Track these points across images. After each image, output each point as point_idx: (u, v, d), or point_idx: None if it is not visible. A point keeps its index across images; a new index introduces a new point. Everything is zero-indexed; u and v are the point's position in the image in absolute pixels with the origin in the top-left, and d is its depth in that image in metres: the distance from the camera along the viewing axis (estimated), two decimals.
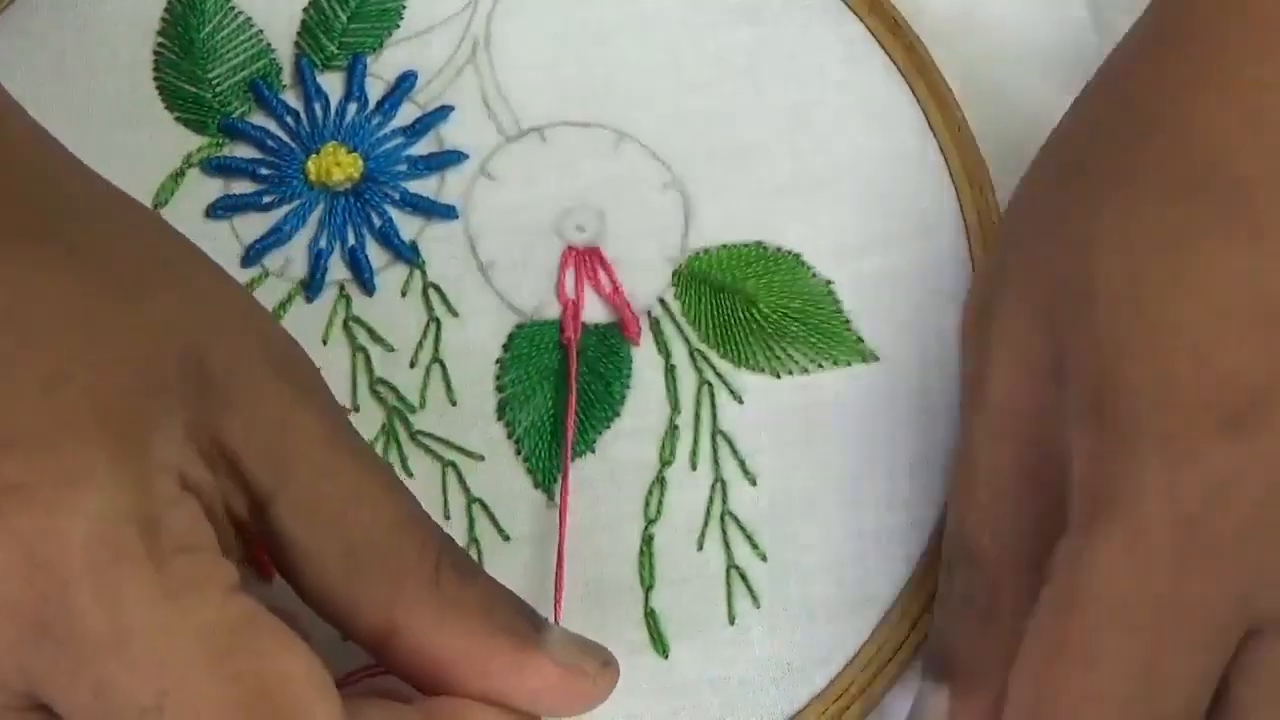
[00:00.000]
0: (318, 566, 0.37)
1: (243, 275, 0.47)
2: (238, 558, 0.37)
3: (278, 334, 0.39)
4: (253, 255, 0.47)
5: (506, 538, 0.45)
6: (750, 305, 0.47)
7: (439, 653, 0.37)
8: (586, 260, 0.47)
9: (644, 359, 0.47)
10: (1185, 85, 0.39)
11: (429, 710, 0.38)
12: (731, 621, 0.44)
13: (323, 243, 0.47)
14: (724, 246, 0.48)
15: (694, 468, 0.46)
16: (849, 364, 0.47)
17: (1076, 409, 0.38)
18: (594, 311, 0.47)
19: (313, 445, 0.37)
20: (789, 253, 0.48)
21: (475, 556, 0.45)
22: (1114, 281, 0.37)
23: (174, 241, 0.39)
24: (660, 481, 0.45)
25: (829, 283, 0.48)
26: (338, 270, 0.47)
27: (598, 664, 0.39)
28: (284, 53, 0.49)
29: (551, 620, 0.41)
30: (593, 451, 0.46)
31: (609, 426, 0.46)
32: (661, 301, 0.47)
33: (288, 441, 0.37)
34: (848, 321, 0.47)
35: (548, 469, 0.45)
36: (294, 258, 0.47)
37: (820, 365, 0.47)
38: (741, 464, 0.46)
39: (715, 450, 0.46)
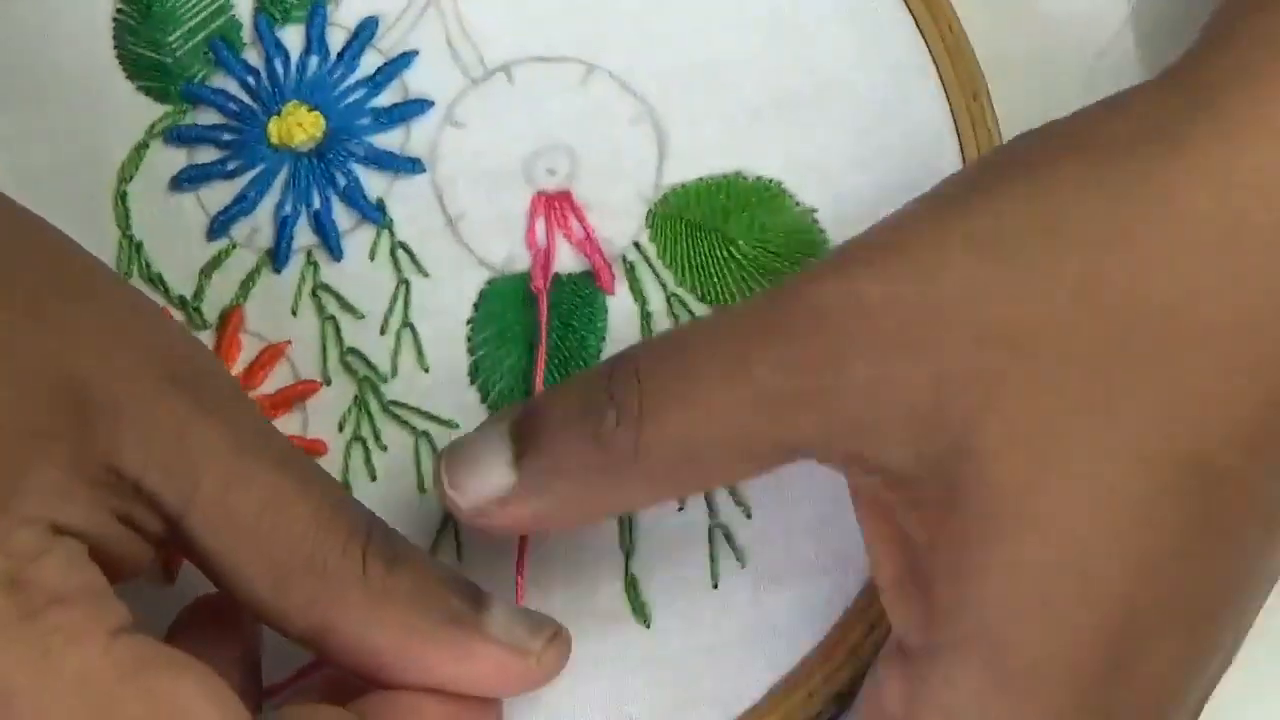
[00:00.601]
0: (241, 577, 0.37)
1: (210, 248, 0.46)
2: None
3: (173, 343, 0.38)
4: (218, 227, 0.46)
5: None
6: (729, 244, 0.45)
7: (375, 648, 0.37)
8: (557, 206, 0.45)
9: (619, 308, 0.45)
10: None
11: (365, 712, 0.37)
12: (715, 585, 0.42)
13: (288, 208, 0.46)
14: (700, 180, 0.45)
15: None
16: None
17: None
18: (566, 261, 0.45)
19: (216, 454, 0.36)
20: (770, 182, 0.45)
21: (452, 532, 0.43)
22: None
23: (51, 262, 0.38)
24: None
25: (813, 211, 0.45)
26: (305, 236, 0.46)
27: (544, 639, 0.38)
28: (244, 8, 0.48)
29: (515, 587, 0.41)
30: None
31: None
32: (636, 245, 0.45)
33: (188, 455, 0.36)
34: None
35: None
36: (261, 226, 0.46)
37: None
38: None
39: None
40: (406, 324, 0.45)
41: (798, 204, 0.45)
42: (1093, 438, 0.35)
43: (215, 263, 0.46)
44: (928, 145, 0.45)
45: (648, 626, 0.42)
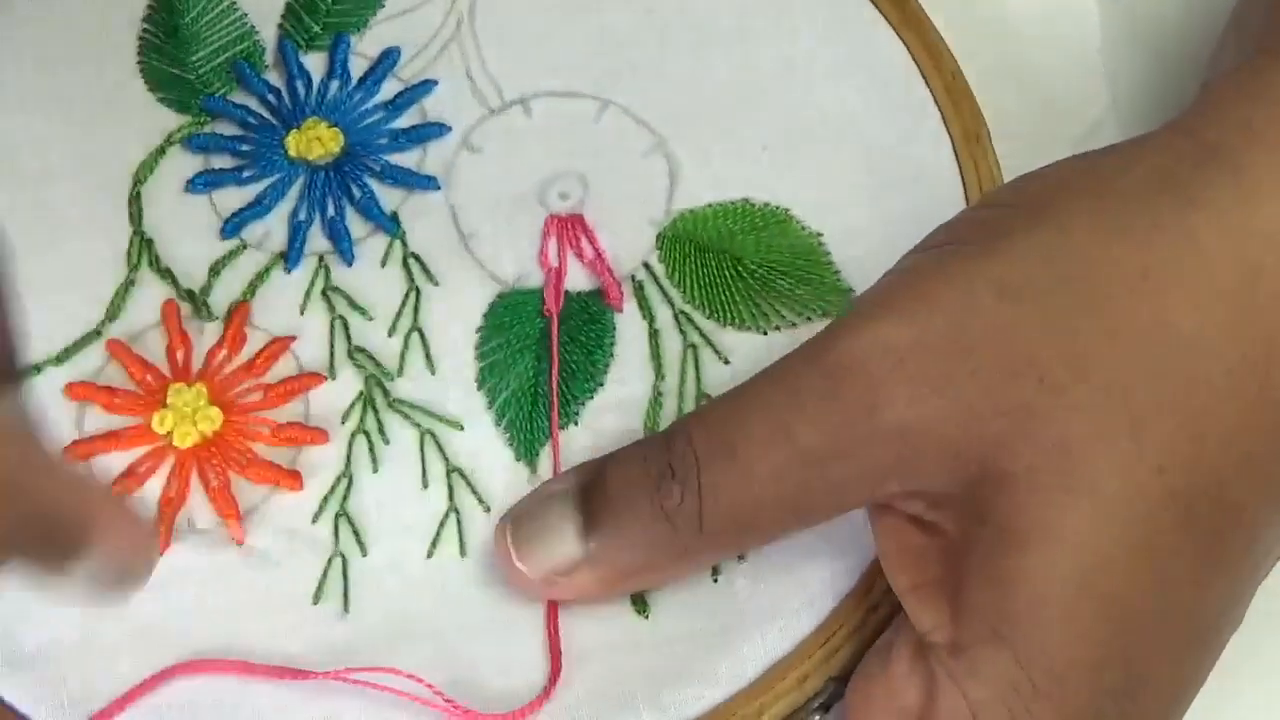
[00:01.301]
0: None
1: (221, 247, 0.46)
2: None
3: None
4: (231, 227, 0.46)
5: (487, 509, 0.43)
6: (736, 263, 0.46)
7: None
8: (569, 228, 0.46)
9: (627, 325, 0.45)
10: None
11: None
12: (715, 579, 0.42)
13: (302, 215, 0.47)
14: (709, 205, 0.47)
15: None
16: (838, 314, 0.45)
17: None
18: (577, 279, 0.46)
19: None
20: (776, 208, 0.47)
21: (455, 525, 0.43)
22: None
23: None
24: None
25: (818, 235, 0.46)
26: (317, 242, 0.46)
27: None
28: (268, 35, 0.49)
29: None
30: (576, 423, 0.44)
31: (592, 397, 0.45)
32: (646, 265, 0.46)
33: None
34: (838, 273, 0.46)
35: (528, 441, 0.44)
36: (273, 229, 0.47)
37: (808, 318, 0.45)
38: None
39: None
40: (415, 328, 0.45)
41: (804, 228, 0.46)
42: (1119, 463, 0.36)
43: (225, 260, 0.46)
44: (931, 181, 0.46)
45: (646, 618, 0.42)
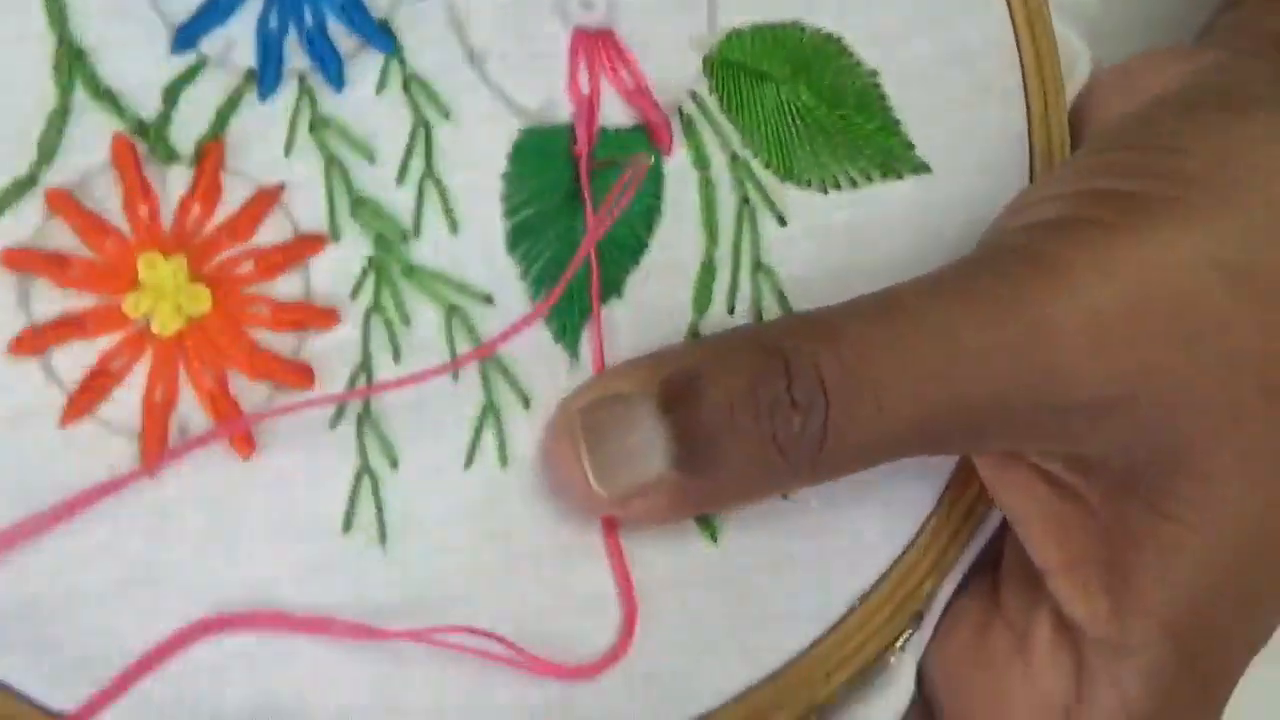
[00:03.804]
0: None
1: (176, 63, 0.36)
2: None
3: None
4: (184, 36, 0.36)
5: (526, 403, 0.37)
6: (794, 98, 0.39)
7: None
8: (599, 47, 0.39)
9: (676, 172, 0.39)
10: None
11: None
12: (785, 496, 0.38)
13: (272, 22, 0.37)
14: (758, 27, 0.40)
15: (731, 311, 0.39)
16: (900, 176, 0.40)
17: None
18: (612, 112, 0.39)
19: None
20: (830, 36, 0.40)
21: (494, 428, 0.37)
22: None
23: None
24: (694, 335, 0.38)
25: (874, 73, 0.40)
26: (296, 58, 0.37)
27: None
28: None
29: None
30: (619, 295, 0.38)
31: (636, 262, 0.38)
32: (694, 95, 0.39)
33: None
34: (897, 122, 0.40)
35: (570, 319, 0.38)
36: (237, 40, 0.37)
37: (869, 177, 0.40)
38: (786, 307, 0.39)
39: (757, 289, 0.39)
40: (429, 174, 0.37)
41: (859, 64, 0.40)
42: None
43: (183, 81, 0.36)
44: (981, 8, 0.41)
45: (715, 542, 0.38)
